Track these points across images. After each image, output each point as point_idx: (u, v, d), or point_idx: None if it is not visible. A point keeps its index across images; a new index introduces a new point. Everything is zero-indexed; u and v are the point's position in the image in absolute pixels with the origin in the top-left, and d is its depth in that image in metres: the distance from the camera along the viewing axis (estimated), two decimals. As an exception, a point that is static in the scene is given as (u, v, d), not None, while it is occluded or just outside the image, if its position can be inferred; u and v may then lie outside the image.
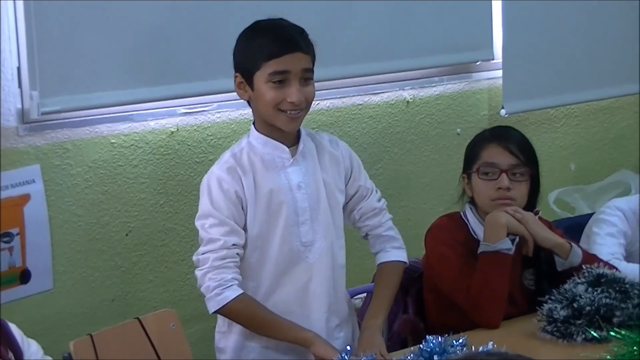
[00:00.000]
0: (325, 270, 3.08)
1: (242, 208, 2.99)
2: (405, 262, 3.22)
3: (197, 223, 3.01)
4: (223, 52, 3.60)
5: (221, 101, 3.74)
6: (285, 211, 3.02)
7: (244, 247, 3.01)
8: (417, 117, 4.29)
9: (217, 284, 2.93)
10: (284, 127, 2.99)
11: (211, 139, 3.74)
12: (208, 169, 3.69)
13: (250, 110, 3.07)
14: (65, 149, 3.44)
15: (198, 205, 3.67)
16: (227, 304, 2.94)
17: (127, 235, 3.60)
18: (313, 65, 3.01)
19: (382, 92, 4.20)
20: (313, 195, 3.05)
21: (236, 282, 2.96)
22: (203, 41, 3.60)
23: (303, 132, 3.10)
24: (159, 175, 3.64)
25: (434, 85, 4.33)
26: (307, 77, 2.97)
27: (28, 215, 3.34)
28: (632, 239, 3.74)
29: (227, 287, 2.94)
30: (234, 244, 2.97)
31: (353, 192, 3.17)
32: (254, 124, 3.07)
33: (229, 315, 3.00)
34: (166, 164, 3.66)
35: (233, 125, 3.78)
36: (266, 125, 3.02)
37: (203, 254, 2.97)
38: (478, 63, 4.44)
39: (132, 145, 3.58)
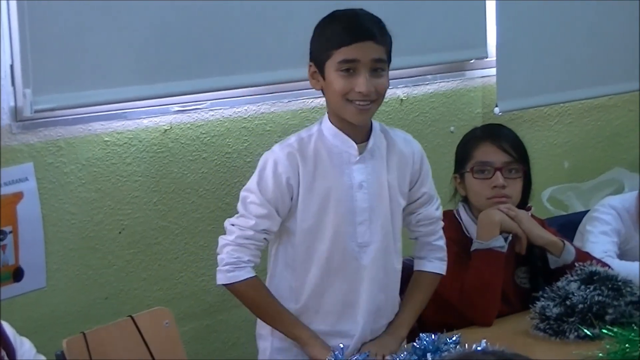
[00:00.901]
0: (378, 273, 3.03)
1: (291, 197, 2.95)
2: (443, 275, 3.16)
3: (241, 193, 2.99)
4: (216, 50, 3.63)
5: (214, 99, 3.74)
6: (342, 209, 2.96)
7: (293, 237, 2.99)
8: (410, 116, 4.29)
9: (233, 260, 2.94)
10: (352, 119, 2.92)
11: (204, 137, 3.74)
12: (201, 167, 3.72)
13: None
14: (59, 147, 3.44)
15: (192, 202, 3.70)
16: (235, 282, 2.94)
17: (120, 233, 3.59)
18: (389, 57, 2.95)
19: (375, 90, 4.19)
20: (374, 196, 2.99)
21: (251, 264, 2.96)
22: (196, 39, 3.59)
23: (376, 128, 3.02)
24: (152, 173, 3.64)
25: (428, 84, 4.32)
26: (377, 67, 2.90)
27: (21, 213, 3.33)
28: (626, 237, 3.75)
29: (241, 267, 2.94)
30: (264, 229, 2.95)
31: (417, 197, 3.09)
32: (328, 113, 3.01)
33: (235, 293, 3.00)
34: (159, 162, 3.65)
35: (226, 123, 3.78)
36: (337, 118, 2.96)
37: (232, 224, 2.97)
38: (472, 61, 4.43)
39: (125, 143, 3.57)
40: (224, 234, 3.01)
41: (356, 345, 3.01)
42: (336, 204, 2.96)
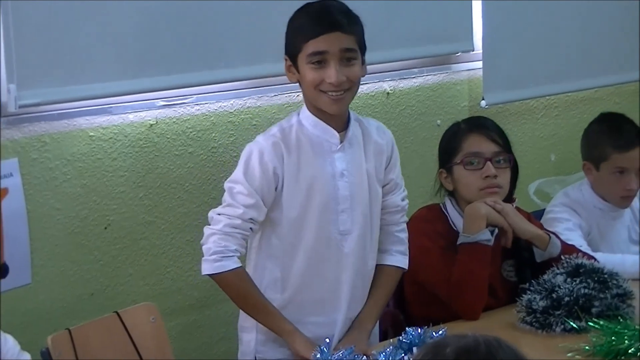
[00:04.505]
0: (358, 260, 3.06)
1: (276, 187, 2.97)
2: (405, 269, 3.20)
3: (226, 185, 2.99)
4: (201, 45, 3.62)
5: (200, 93, 3.73)
6: (325, 198, 2.99)
7: (278, 228, 3.00)
8: (397, 109, 4.28)
9: (220, 249, 2.93)
10: (326, 108, 2.95)
11: (190, 132, 3.73)
12: (187, 162, 3.71)
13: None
14: (44, 142, 3.42)
15: (178, 197, 3.69)
16: (222, 272, 2.94)
17: (106, 228, 3.58)
18: (360, 46, 2.96)
19: (362, 84, 4.13)
20: (355, 184, 3.02)
21: (238, 254, 2.96)
22: (182, 33, 3.58)
23: (351, 117, 3.05)
24: (138, 168, 3.63)
25: (414, 77, 4.32)
26: (348, 57, 2.93)
27: (6, 209, 3.31)
28: (588, 228, 3.73)
29: (228, 256, 2.93)
30: (251, 218, 2.95)
31: (384, 183, 3.13)
32: (305, 103, 3.03)
33: (220, 284, 2.99)
34: (145, 156, 3.64)
35: (212, 118, 3.77)
36: (315, 108, 2.99)
37: (219, 214, 2.96)
38: (458, 54, 4.43)
39: (110, 138, 3.56)
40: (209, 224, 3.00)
41: (340, 334, 3.01)
42: (320, 193, 2.99)
